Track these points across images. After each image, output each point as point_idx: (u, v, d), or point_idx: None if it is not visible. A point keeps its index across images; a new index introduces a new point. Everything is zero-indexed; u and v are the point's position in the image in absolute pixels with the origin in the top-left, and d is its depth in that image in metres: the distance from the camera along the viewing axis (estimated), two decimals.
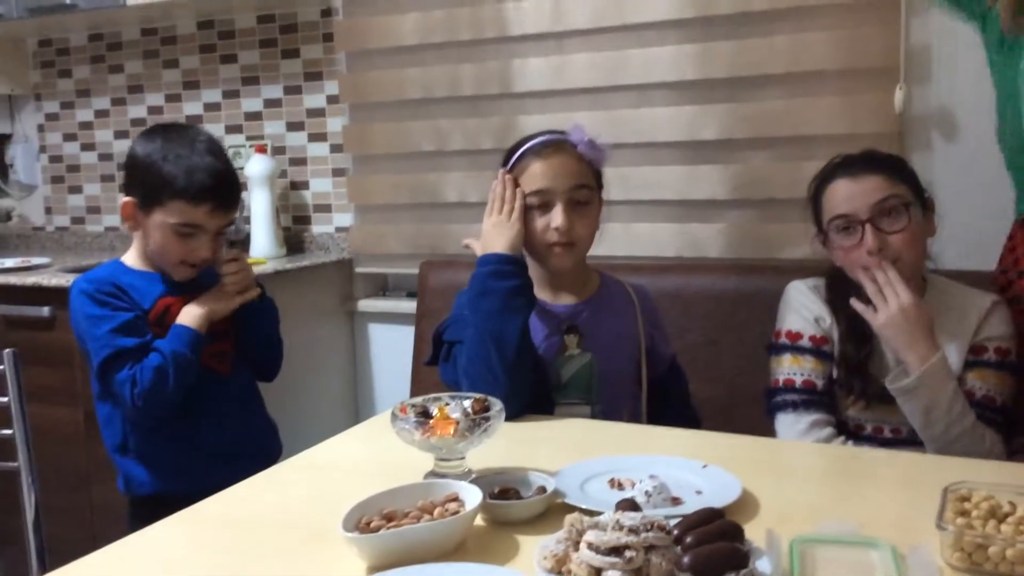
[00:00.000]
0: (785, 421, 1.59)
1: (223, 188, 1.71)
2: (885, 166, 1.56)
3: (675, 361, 1.75)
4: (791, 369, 1.61)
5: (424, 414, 1.18)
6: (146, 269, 1.77)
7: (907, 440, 1.53)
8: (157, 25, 3.11)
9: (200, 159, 1.69)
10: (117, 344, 1.67)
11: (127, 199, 1.73)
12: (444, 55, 2.64)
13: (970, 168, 2.07)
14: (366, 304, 2.84)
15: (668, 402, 1.68)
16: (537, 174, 1.57)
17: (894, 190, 1.53)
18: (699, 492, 1.12)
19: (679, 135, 2.37)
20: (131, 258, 1.78)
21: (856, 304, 1.51)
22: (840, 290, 1.60)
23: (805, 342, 1.61)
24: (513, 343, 1.47)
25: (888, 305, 1.47)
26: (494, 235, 1.56)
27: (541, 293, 1.62)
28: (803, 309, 1.64)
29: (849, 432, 1.59)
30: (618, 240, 2.41)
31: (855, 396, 1.57)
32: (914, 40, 2.11)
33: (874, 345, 1.57)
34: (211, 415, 1.77)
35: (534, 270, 1.61)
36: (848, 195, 1.55)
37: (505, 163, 1.63)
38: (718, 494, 1.10)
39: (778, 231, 2.27)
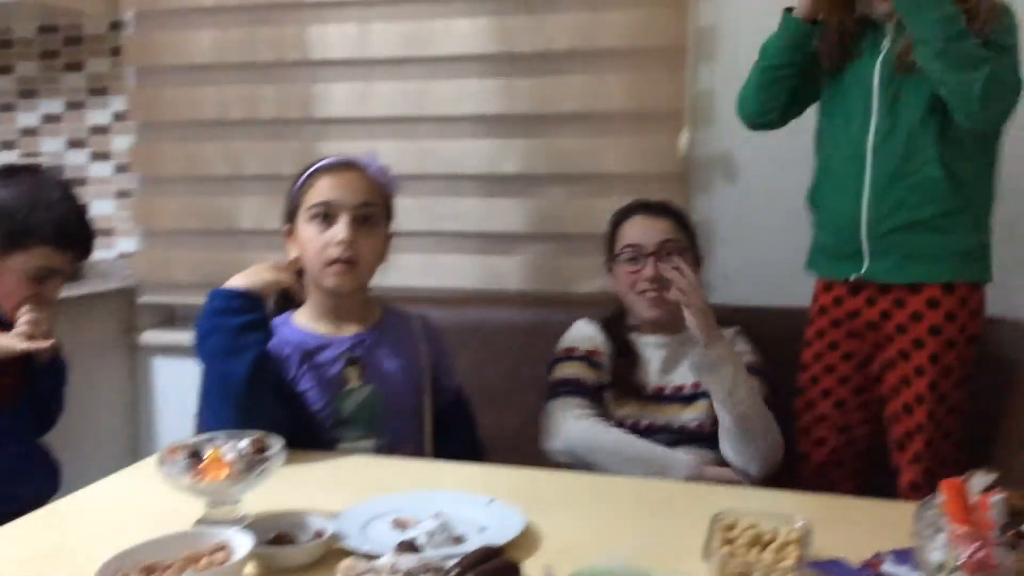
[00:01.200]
0: (556, 405, 1.77)
1: (86, 234, 1.74)
2: (675, 215, 1.88)
3: (461, 393, 1.74)
4: (565, 372, 1.82)
5: (195, 456, 1.11)
6: None
7: (663, 429, 1.77)
8: None
9: (65, 204, 1.70)
10: None
11: None
12: (243, 76, 2.54)
13: (749, 208, 2.21)
14: (150, 336, 2.67)
15: (453, 434, 1.66)
16: (324, 187, 1.54)
17: (677, 235, 1.84)
18: (482, 529, 1.11)
19: (480, 168, 2.39)
20: None
21: (677, 295, 1.70)
22: (615, 322, 1.89)
23: (578, 352, 1.84)
24: (242, 383, 1.38)
25: (694, 297, 1.67)
26: (245, 273, 1.50)
27: (321, 324, 1.57)
28: (580, 334, 1.88)
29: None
30: (419, 272, 2.40)
31: (624, 397, 1.80)
32: (699, 86, 2.24)
33: (638, 359, 1.84)
34: None
35: (315, 299, 1.57)
36: (641, 230, 1.84)
37: (295, 183, 1.59)
38: (501, 530, 1.09)
39: (574, 265, 2.33)
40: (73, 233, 1.70)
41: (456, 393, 1.72)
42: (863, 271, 1.70)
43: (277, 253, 2.48)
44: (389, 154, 2.39)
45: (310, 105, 2.49)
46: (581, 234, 2.30)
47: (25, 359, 1.69)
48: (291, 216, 1.59)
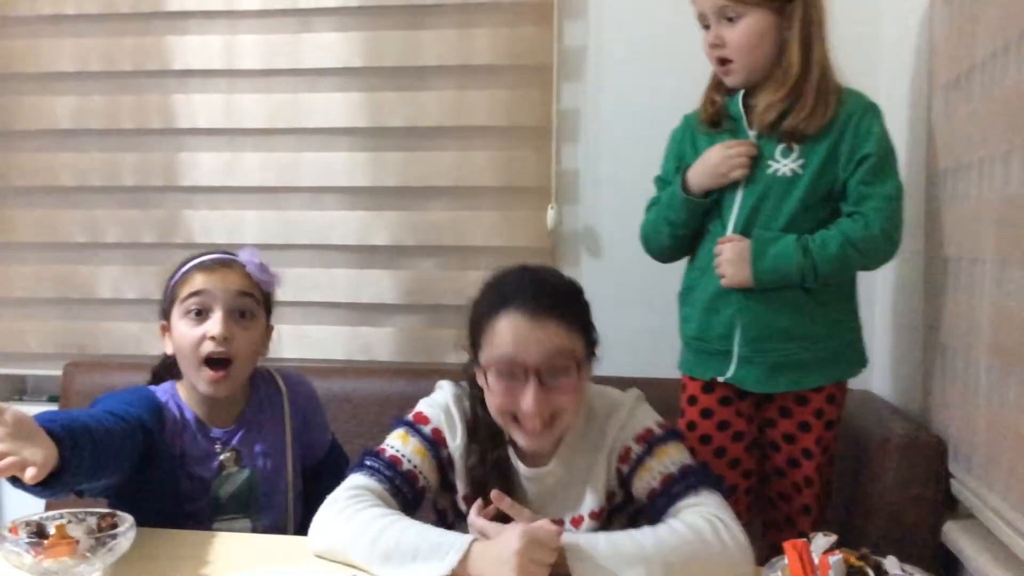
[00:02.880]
0: (342, 487, 1.36)
1: None
2: (565, 308, 1.35)
3: (334, 444, 1.74)
4: (391, 443, 1.42)
5: (40, 534, 1.05)
6: None
7: None
8: None
9: None
10: None
11: None
12: (103, 142, 2.47)
13: (615, 282, 2.28)
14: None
15: (330, 486, 1.61)
16: (199, 281, 1.51)
17: (570, 343, 1.33)
18: None
19: (351, 239, 2.40)
20: None
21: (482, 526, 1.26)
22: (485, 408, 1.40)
23: (426, 430, 1.43)
24: None
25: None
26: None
27: (200, 409, 1.55)
28: (439, 403, 1.47)
29: None
30: (288, 342, 2.35)
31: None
32: (564, 164, 2.33)
33: (507, 480, 1.41)
34: None
35: (189, 384, 1.54)
36: (520, 338, 1.31)
37: (171, 278, 1.57)
38: None
39: (445, 336, 2.35)
40: None
41: (329, 446, 1.72)
42: (730, 375, 1.69)
43: (136, 323, 2.42)
44: (257, 224, 2.41)
45: (174, 173, 2.45)
46: (451, 305, 2.33)
47: None
48: (166, 312, 1.55)
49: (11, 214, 2.52)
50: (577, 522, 1.39)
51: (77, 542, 1.02)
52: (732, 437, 1.73)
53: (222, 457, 1.53)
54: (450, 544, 1.19)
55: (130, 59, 2.44)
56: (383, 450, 1.41)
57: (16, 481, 1.06)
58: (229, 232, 2.42)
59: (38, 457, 1.06)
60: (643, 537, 1.21)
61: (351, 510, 1.29)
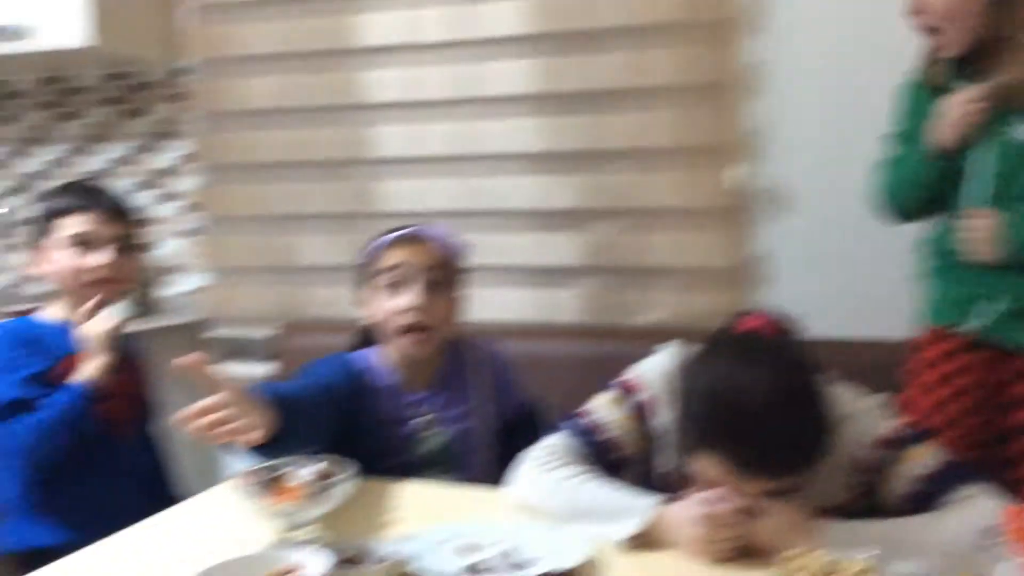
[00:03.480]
0: (544, 447, 1.36)
1: (119, 203, 1.80)
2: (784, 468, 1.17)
3: (529, 406, 1.79)
4: (598, 411, 1.37)
5: (270, 481, 1.15)
6: (58, 321, 1.76)
7: None
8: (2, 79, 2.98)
9: (97, 185, 1.85)
10: (14, 395, 1.64)
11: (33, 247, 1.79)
12: (304, 120, 2.63)
13: (807, 241, 2.20)
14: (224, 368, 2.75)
15: (525, 445, 1.56)
16: (393, 254, 1.59)
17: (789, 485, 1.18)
18: (548, 555, 1.13)
19: (532, 203, 2.44)
20: (44, 312, 1.80)
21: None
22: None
23: (638, 397, 1.36)
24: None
25: None
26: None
27: (399, 374, 1.63)
28: (656, 370, 1.38)
29: None
30: (475, 307, 2.43)
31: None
32: (748, 121, 2.27)
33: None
34: (103, 476, 1.74)
35: (391, 351, 1.62)
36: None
37: (365, 251, 1.65)
38: (566, 557, 1.11)
39: (629, 298, 2.36)
40: (106, 201, 1.77)
41: (523, 406, 1.77)
42: (985, 328, 1.64)
43: (338, 288, 2.57)
44: (442, 192, 2.50)
45: (365, 146, 2.57)
46: (633, 267, 2.33)
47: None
48: (364, 283, 1.64)
49: (226, 190, 2.73)
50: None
51: (304, 488, 1.12)
52: (967, 391, 1.66)
53: (419, 420, 1.61)
54: (642, 505, 1.20)
55: (324, 39, 2.57)
56: (586, 414, 1.38)
57: (234, 448, 1.16)
58: (416, 201, 2.52)
59: (255, 425, 1.15)
60: (921, 523, 1.14)
61: (547, 467, 1.31)
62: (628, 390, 1.38)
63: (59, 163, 2.93)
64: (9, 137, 2.99)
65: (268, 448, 1.20)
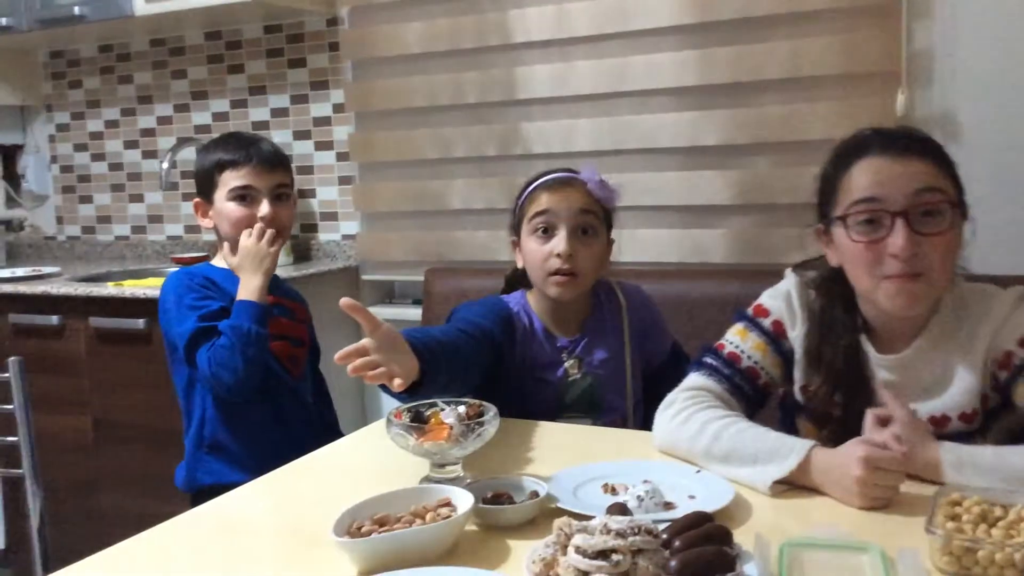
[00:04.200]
0: (682, 387, 1.37)
1: (275, 153, 1.88)
2: (931, 151, 1.24)
3: (675, 348, 1.77)
4: (731, 341, 1.40)
5: (418, 420, 1.19)
6: (228, 268, 1.87)
7: None
8: (165, 36, 3.14)
9: (253, 138, 1.90)
10: (202, 326, 1.75)
11: (196, 200, 1.90)
12: (448, 63, 2.65)
13: (979, 173, 2.04)
14: (372, 311, 2.84)
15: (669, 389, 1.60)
16: (544, 201, 1.59)
17: (939, 183, 1.22)
18: (692, 497, 1.13)
19: (681, 140, 2.37)
20: (216, 260, 1.92)
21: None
22: (844, 302, 1.33)
23: (767, 321, 1.39)
24: None
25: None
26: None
27: (547, 318, 1.64)
28: (783, 295, 1.40)
29: None
30: (623, 247, 2.40)
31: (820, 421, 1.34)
32: (915, 45, 2.11)
33: (860, 368, 1.32)
34: (281, 415, 1.86)
35: (542, 297, 1.63)
36: (882, 177, 1.22)
37: (518, 197, 1.66)
38: (711, 499, 1.10)
39: (780, 236, 2.27)
40: (262, 153, 1.84)
41: (671, 349, 1.76)
42: None
43: (484, 231, 2.61)
44: (589, 131, 2.47)
45: (512, 87, 2.56)
46: (787, 204, 2.24)
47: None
48: (516, 228, 1.66)
49: (374, 136, 2.80)
50: (942, 422, 1.26)
51: (451, 428, 1.15)
52: None
53: (567, 364, 1.62)
54: (789, 448, 1.17)
55: None
56: (722, 347, 1.40)
57: (384, 388, 1.19)
58: (563, 141, 2.50)
59: (404, 369, 1.18)
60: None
61: (688, 411, 1.30)
62: (756, 317, 1.40)
63: (223, 116, 3.08)
64: (177, 91, 3.16)
65: (414, 392, 1.23)
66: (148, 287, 2.43)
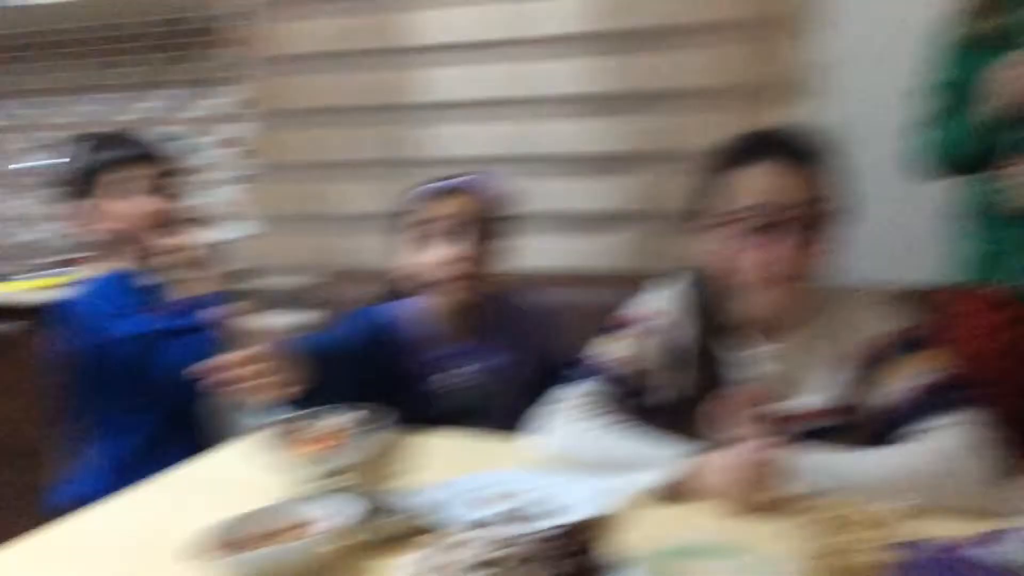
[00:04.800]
0: (566, 397, 1.38)
1: (137, 143, 1.83)
2: (811, 161, 1.30)
3: (570, 356, 1.75)
4: (607, 349, 1.42)
5: (297, 430, 1.16)
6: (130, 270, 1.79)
7: None
8: (49, 28, 3.00)
9: (110, 133, 1.87)
10: (136, 330, 1.69)
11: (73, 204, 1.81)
12: (351, 64, 2.61)
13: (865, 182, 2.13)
14: (266, 318, 2.77)
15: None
16: (438, 205, 1.58)
17: (814, 194, 1.27)
18: (569, 505, 1.13)
19: (572, 148, 2.40)
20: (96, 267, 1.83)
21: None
22: (712, 303, 1.38)
23: (644, 326, 1.42)
24: None
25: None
26: None
27: (434, 326, 1.63)
28: (654, 302, 1.45)
29: None
30: (516, 253, 2.42)
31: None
32: (802, 58, 2.18)
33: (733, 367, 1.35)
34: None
35: (431, 302, 1.62)
36: (761, 186, 1.27)
37: (407, 202, 1.63)
38: (588, 507, 1.10)
39: (670, 244, 2.31)
40: (139, 148, 1.80)
41: (563, 357, 1.74)
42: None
43: (384, 236, 2.56)
44: (487, 137, 2.46)
45: (409, 91, 2.54)
46: (675, 213, 2.28)
47: None
48: (405, 233, 1.63)
49: (275, 137, 2.73)
50: (808, 417, 1.31)
51: (329, 439, 1.12)
52: (1007, 352, 1.65)
53: (457, 371, 1.61)
54: (672, 455, 1.19)
55: None
56: (606, 352, 1.42)
57: (265, 402, 1.17)
58: (462, 147, 2.50)
59: (291, 379, 1.17)
60: (878, 458, 1.16)
61: (579, 417, 1.33)
62: (635, 320, 1.42)
63: (108, 112, 2.97)
64: (61, 85, 3.03)
65: (303, 403, 1.21)
66: None
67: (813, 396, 1.31)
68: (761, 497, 1.12)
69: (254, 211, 2.81)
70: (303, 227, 2.75)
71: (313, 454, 1.11)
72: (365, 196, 2.64)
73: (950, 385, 1.23)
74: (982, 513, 1.05)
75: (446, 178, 1.63)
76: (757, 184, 1.27)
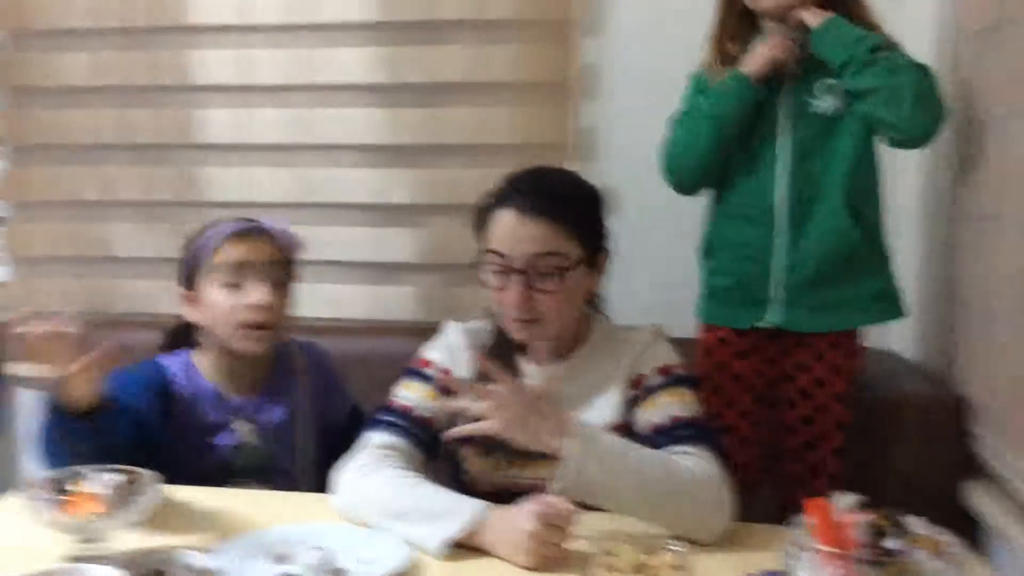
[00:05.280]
0: (360, 445, 1.37)
1: None
2: (563, 211, 1.35)
3: (355, 410, 1.72)
4: (401, 394, 1.43)
5: (63, 489, 1.06)
6: None
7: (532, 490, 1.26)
8: None
9: None
10: None
11: None
12: (118, 99, 2.45)
13: (635, 240, 2.22)
14: (16, 367, 2.53)
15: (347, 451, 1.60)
16: (233, 249, 1.51)
17: (561, 246, 1.33)
18: (365, 561, 1.10)
19: (367, 197, 2.38)
20: None
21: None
22: (499, 335, 1.44)
23: (432, 368, 1.44)
24: None
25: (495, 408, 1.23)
26: None
27: (218, 378, 1.55)
28: (444, 342, 1.48)
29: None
30: (305, 301, 2.35)
31: (485, 445, 1.38)
32: (584, 122, 2.28)
33: None
34: None
35: (215, 355, 1.55)
36: (508, 234, 1.34)
37: (194, 246, 1.55)
38: (384, 562, 1.08)
39: (463, 295, 2.34)
40: None
41: (351, 412, 1.71)
42: (771, 318, 1.69)
43: (150, 281, 2.42)
44: (272, 182, 2.40)
45: (189, 131, 2.43)
46: (469, 265, 2.31)
47: None
48: (191, 280, 1.54)
49: (30, 173, 2.52)
50: None
51: (100, 498, 1.03)
52: (747, 389, 1.75)
53: (238, 426, 1.54)
54: (463, 509, 1.19)
55: (144, 16, 2.40)
56: (393, 401, 1.42)
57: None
58: (243, 190, 2.40)
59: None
60: (641, 455, 1.24)
61: (366, 470, 1.31)
62: (422, 368, 1.44)
63: None
64: None
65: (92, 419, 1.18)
66: None
67: (593, 413, 1.36)
68: (551, 551, 1.14)
69: (4, 254, 2.56)
70: (61, 270, 2.53)
71: (81, 515, 1.02)
72: (130, 238, 2.48)
73: (695, 423, 1.34)
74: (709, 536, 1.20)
75: (241, 219, 1.57)
76: (499, 230, 1.35)
